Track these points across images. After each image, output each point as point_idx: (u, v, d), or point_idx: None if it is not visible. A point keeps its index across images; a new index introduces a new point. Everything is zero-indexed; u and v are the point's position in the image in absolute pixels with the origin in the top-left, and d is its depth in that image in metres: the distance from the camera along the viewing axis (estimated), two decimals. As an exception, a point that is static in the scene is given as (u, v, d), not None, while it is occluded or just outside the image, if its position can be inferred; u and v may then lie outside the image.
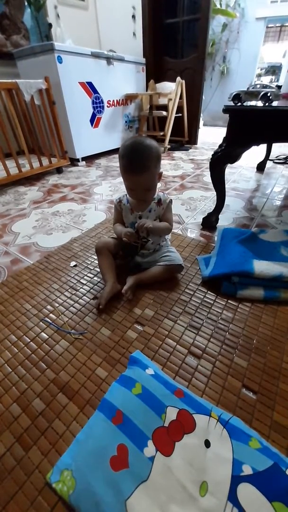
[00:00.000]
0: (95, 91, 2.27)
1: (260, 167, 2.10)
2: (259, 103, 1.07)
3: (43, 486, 0.43)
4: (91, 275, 0.92)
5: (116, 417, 0.48)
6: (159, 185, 1.78)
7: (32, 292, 0.85)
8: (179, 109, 2.74)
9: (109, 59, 2.29)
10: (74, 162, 2.33)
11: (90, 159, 2.53)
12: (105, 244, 0.86)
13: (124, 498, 0.39)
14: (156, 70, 2.89)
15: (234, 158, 1.03)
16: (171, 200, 0.86)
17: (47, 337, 0.69)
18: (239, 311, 0.76)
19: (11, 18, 2.15)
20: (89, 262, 0.99)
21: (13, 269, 0.98)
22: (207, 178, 1.91)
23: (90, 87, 2.21)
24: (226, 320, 0.73)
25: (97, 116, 2.36)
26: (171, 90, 2.63)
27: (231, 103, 1.12)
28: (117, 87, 2.50)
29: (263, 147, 1.93)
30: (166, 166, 2.27)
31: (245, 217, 1.33)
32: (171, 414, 0.48)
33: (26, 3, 2.20)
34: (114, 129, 2.62)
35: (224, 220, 1.29)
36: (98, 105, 2.34)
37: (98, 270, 0.90)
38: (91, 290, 0.86)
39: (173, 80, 2.59)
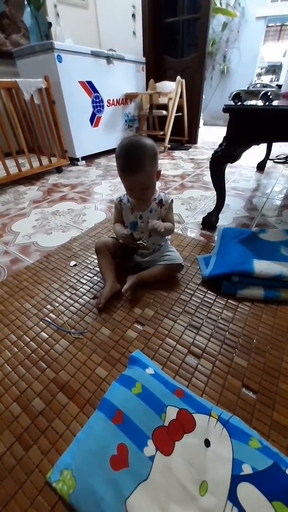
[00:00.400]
0: (95, 90, 2.26)
1: (260, 167, 2.10)
2: (259, 103, 1.07)
3: (43, 486, 0.43)
4: (91, 275, 0.92)
5: (116, 416, 0.48)
6: (158, 184, 1.78)
7: (32, 292, 0.85)
8: (179, 108, 2.74)
9: (109, 58, 2.28)
10: (74, 161, 2.33)
11: (90, 158, 2.53)
12: (104, 243, 0.86)
13: (124, 497, 0.39)
14: (156, 69, 2.88)
15: (234, 157, 1.03)
16: (172, 200, 0.85)
17: (47, 336, 0.69)
18: (239, 310, 0.76)
19: (11, 17, 2.14)
20: (89, 262, 0.99)
21: (13, 268, 0.98)
22: (207, 177, 1.91)
23: (90, 86, 2.20)
24: (226, 320, 0.73)
25: (97, 116, 2.36)
26: (171, 89, 2.63)
27: (231, 103, 1.12)
28: (117, 86, 2.49)
29: (263, 146, 1.93)
30: (166, 165, 2.27)
31: (245, 217, 1.33)
32: (171, 413, 0.48)
33: (25, 2, 2.20)
34: (114, 128, 2.62)
35: (224, 220, 1.29)
36: (98, 104, 2.33)
37: (98, 269, 0.90)
38: (91, 289, 0.86)
39: (173, 80, 2.59)
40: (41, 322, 0.74)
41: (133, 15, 2.67)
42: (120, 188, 1.76)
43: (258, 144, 1.02)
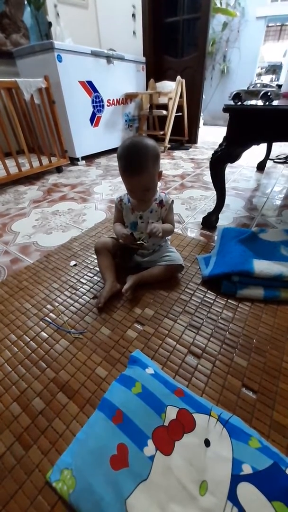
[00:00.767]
0: (95, 90, 2.26)
1: (260, 167, 2.10)
2: (260, 102, 1.07)
3: (43, 485, 0.43)
4: (91, 275, 0.92)
5: (116, 416, 0.48)
6: (159, 184, 1.78)
7: (32, 292, 0.85)
8: (179, 108, 2.73)
9: (109, 58, 2.28)
10: (74, 161, 2.33)
11: (90, 158, 2.53)
12: (104, 244, 0.86)
13: (124, 497, 0.39)
14: (156, 69, 2.88)
15: (234, 157, 1.03)
16: (173, 200, 0.85)
17: (47, 336, 0.69)
18: (239, 310, 0.76)
19: (11, 17, 2.14)
20: (89, 262, 0.99)
21: (13, 268, 0.98)
22: (207, 177, 1.91)
23: (90, 86, 2.20)
24: (226, 320, 0.73)
25: (97, 115, 2.36)
26: (171, 89, 2.63)
27: (231, 102, 1.12)
28: (117, 86, 2.49)
29: (263, 146, 1.93)
30: (166, 165, 2.27)
31: (245, 217, 1.33)
32: (171, 413, 0.48)
33: (26, 2, 2.20)
34: (114, 128, 2.62)
35: (224, 220, 1.29)
36: (98, 104, 2.33)
37: (98, 269, 0.90)
38: (91, 289, 0.86)
39: (173, 79, 2.59)
40: (41, 322, 0.74)
41: (133, 15, 2.67)
42: (120, 188, 1.76)
43: (258, 144, 1.02)
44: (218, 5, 3.89)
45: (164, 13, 2.67)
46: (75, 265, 0.97)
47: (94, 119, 2.34)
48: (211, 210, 1.20)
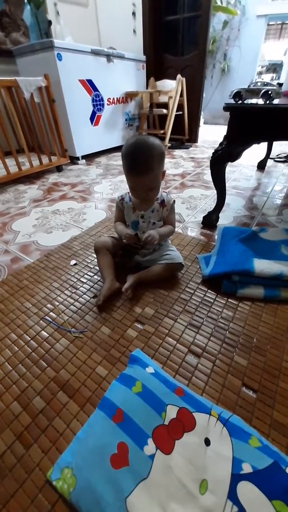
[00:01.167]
0: (95, 89, 2.26)
1: (261, 166, 2.10)
2: (260, 101, 1.06)
3: (43, 484, 0.43)
4: (91, 274, 0.92)
5: (116, 415, 0.48)
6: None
7: (32, 291, 0.85)
8: (180, 107, 2.73)
9: (109, 57, 2.27)
10: (74, 160, 2.33)
11: (90, 157, 2.53)
12: (103, 243, 0.85)
13: (124, 495, 0.39)
14: (156, 68, 2.87)
15: (235, 156, 1.02)
16: (174, 200, 0.85)
17: (48, 335, 0.69)
18: (239, 310, 0.76)
19: (11, 15, 2.13)
20: (89, 261, 0.99)
21: (13, 267, 0.98)
22: (208, 176, 1.91)
23: (90, 85, 2.20)
24: (226, 319, 0.73)
25: (97, 114, 2.35)
26: (171, 88, 2.62)
27: (232, 101, 1.11)
28: (117, 84, 2.48)
29: (263, 145, 1.92)
30: (167, 164, 2.27)
31: (245, 216, 1.33)
32: (171, 412, 0.48)
33: (25, 1, 2.19)
34: (114, 127, 2.61)
35: (225, 219, 1.29)
36: (98, 103, 2.33)
37: (98, 269, 0.90)
38: (91, 288, 0.86)
39: (174, 78, 2.58)
40: (41, 321, 0.74)
41: (133, 13, 2.66)
42: (120, 187, 1.76)
43: (258, 143, 1.02)
44: (219, 3, 3.88)
45: (164, 11, 2.66)
46: (75, 264, 0.97)
47: (94, 118, 2.34)
48: (212, 209, 1.20)
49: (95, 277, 0.91)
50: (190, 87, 2.72)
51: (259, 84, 1.14)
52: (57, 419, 0.51)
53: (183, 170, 2.10)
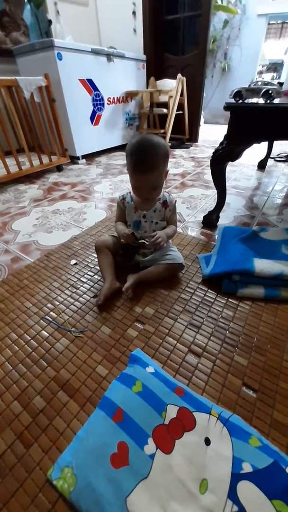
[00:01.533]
0: (95, 88, 2.25)
1: (261, 165, 2.09)
2: (261, 101, 1.06)
3: (43, 483, 0.43)
4: (92, 273, 0.92)
5: (116, 414, 0.48)
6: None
7: (33, 290, 0.85)
8: (180, 106, 2.72)
9: (109, 56, 2.27)
10: (74, 160, 2.33)
11: (90, 157, 2.53)
12: (104, 242, 0.85)
13: (124, 495, 0.39)
14: (156, 67, 2.87)
15: (235, 156, 1.02)
16: (175, 201, 0.85)
17: (48, 335, 0.69)
18: (239, 309, 0.76)
19: (11, 15, 2.13)
20: (90, 260, 0.99)
21: (14, 267, 0.98)
22: (208, 176, 1.91)
23: (90, 84, 2.19)
24: (227, 319, 0.73)
25: (97, 114, 2.35)
26: (171, 87, 2.61)
27: (232, 101, 1.11)
28: (118, 84, 2.48)
29: (264, 145, 1.92)
30: (167, 164, 2.26)
31: (246, 216, 1.33)
32: (171, 412, 0.48)
33: (26, 0, 2.18)
34: (115, 126, 2.61)
35: (225, 219, 1.28)
36: (98, 102, 2.32)
37: (98, 268, 0.90)
38: (92, 288, 0.86)
39: (174, 77, 2.58)
40: (41, 321, 0.74)
41: (134, 13, 2.65)
42: (120, 186, 1.76)
43: (259, 143, 1.02)
44: (219, 2, 3.87)
45: (164, 11, 2.66)
46: (75, 264, 0.97)
47: (94, 118, 2.34)
48: (212, 209, 1.20)
49: (95, 276, 0.91)
50: (191, 87, 2.72)
51: (259, 83, 1.14)
52: (58, 418, 0.51)
53: (184, 170, 2.09)
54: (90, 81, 2.18)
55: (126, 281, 0.80)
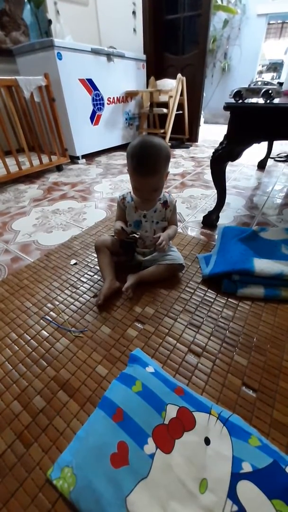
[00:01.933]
0: (95, 88, 2.25)
1: (261, 165, 2.09)
2: (261, 100, 1.06)
3: (43, 483, 0.43)
4: (91, 273, 0.92)
5: (116, 414, 0.48)
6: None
7: (33, 290, 0.85)
8: (180, 106, 2.72)
9: (109, 56, 2.27)
10: (74, 160, 2.33)
11: (90, 156, 2.52)
12: (103, 242, 0.85)
13: (124, 494, 0.39)
14: (156, 67, 2.87)
15: (235, 156, 1.02)
16: (176, 201, 0.85)
17: (48, 335, 0.70)
18: (239, 309, 0.76)
19: (11, 14, 2.13)
20: (89, 260, 0.99)
21: (14, 267, 0.98)
22: (208, 176, 1.91)
23: (90, 84, 2.19)
24: (227, 319, 0.73)
25: (97, 114, 2.35)
26: (171, 87, 2.61)
27: (232, 100, 1.11)
28: (117, 84, 2.48)
29: (264, 145, 1.92)
30: (167, 164, 2.26)
31: (245, 215, 1.33)
32: (171, 411, 0.48)
33: (25, 0, 2.18)
34: (115, 126, 2.61)
35: (225, 219, 1.28)
36: (98, 102, 2.32)
37: (98, 268, 0.90)
38: (91, 288, 0.86)
39: (174, 77, 2.58)
40: (41, 321, 0.74)
41: (134, 12, 2.65)
42: (120, 186, 1.76)
43: (259, 143, 1.02)
44: (219, 2, 3.87)
45: (164, 10, 2.66)
46: (75, 263, 0.97)
47: (94, 117, 2.33)
48: (212, 209, 1.20)
49: (95, 276, 0.91)
50: (191, 86, 2.72)
51: (259, 83, 1.14)
52: (57, 418, 0.51)
53: (183, 170, 2.09)
54: (90, 80, 2.18)
55: (126, 281, 0.80)
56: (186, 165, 2.23)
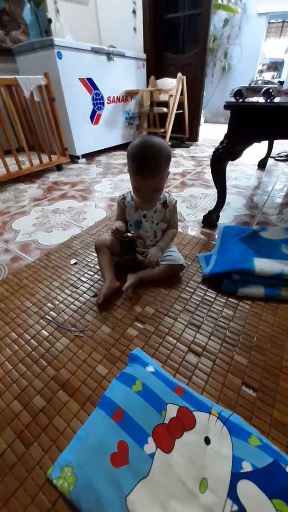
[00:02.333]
0: (95, 87, 2.25)
1: (261, 165, 2.09)
2: (261, 99, 1.06)
3: (43, 482, 0.43)
4: (92, 273, 0.92)
5: (116, 414, 0.48)
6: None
7: (33, 290, 0.85)
8: (180, 105, 2.72)
9: (109, 55, 2.26)
10: (74, 159, 2.32)
11: (90, 156, 2.52)
12: (103, 241, 0.85)
13: (124, 494, 0.39)
14: (156, 66, 2.86)
15: (235, 155, 1.02)
16: (176, 201, 0.85)
17: (48, 334, 0.69)
18: (239, 309, 0.76)
19: (11, 13, 2.12)
20: (90, 260, 0.99)
21: (14, 266, 0.98)
22: (208, 175, 1.91)
23: (90, 83, 2.19)
24: (227, 318, 0.73)
25: (97, 113, 2.35)
26: (172, 86, 2.61)
27: (233, 99, 1.11)
28: (118, 83, 2.48)
29: (264, 144, 1.92)
30: (167, 163, 2.26)
31: (246, 215, 1.33)
32: (171, 411, 0.48)
33: (25, -2, 2.18)
34: (115, 126, 2.61)
35: (225, 218, 1.28)
36: (98, 101, 2.32)
37: (98, 267, 0.90)
38: (92, 287, 0.86)
39: (174, 76, 2.57)
40: (41, 320, 0.74)
41: (134, 11, 2.64)
42: (120, 186, 1.76)
43: (259, 142, 1.02)
44: (219, 1, 3.86)
45: (164, 9, 2.65)
46: (75, 263, 0.97)
47: (94, 117, 2.33)
48: (212, 208, 1.20)
49: (95, 276, 0.91)
50: (191, 86, 2.71)
51: (260, 82, 1.14)
52: (58, 417, 0.51)
53: (184, 169, 2.09)
54: (90, 80, 2.18)
55: (126, 280, 0.80)
56: (186, 164, 2.23)
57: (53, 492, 0.42)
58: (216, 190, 1.15)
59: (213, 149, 1.05)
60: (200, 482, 0.40)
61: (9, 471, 0.44)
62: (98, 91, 2.28)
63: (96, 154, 2.60)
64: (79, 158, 2.33)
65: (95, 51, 2.12)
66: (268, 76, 5.57)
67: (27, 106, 1.87)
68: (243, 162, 2.22)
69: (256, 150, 2.04)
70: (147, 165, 0.69)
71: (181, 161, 2.32)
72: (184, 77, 2.57)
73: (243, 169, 2.08)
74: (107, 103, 2.42)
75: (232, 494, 0.38)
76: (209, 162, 1.11)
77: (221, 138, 1.02)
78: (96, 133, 2.42)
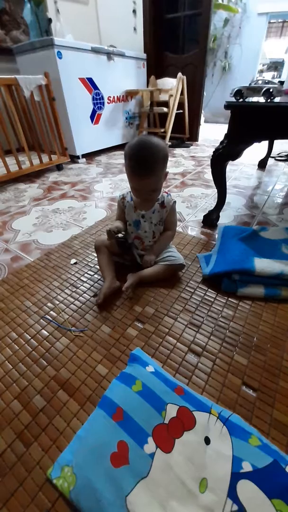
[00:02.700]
0: (95, 87, 2.25)
1: (262, 164, 2.09)
2: (261, 99, 1.06)
3: (43, 482, 0.43)
4: (92, 273, 0.92)
5: (116, 414, 0.48)
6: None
7: (33, 290, 0.85)
8: (180, 105, 2.72)
9: (109, 55, 2.26)
10: (74, 159, 2.32)
11: (90, 156, 2.52)
12: (103, 241, 0.85)
13: (124, 494, 0.39)
14: (157, 66, 2.86)
15: (236, 155, 1.02)
16: (175, 201, 0.85)
17: (48, 334, 0.69)
18: (239, 309, 0.76)
19: (11, 13, 2.12)
20: (90, 260, 0.99)
21: (14, 266, 0.98)
22: (208, 175, 1.91)
23: (90, 83, 2.19)
24: (227, 318, 0.73)
25: (97, 113, 2.35)
26: (172, 86, 2.61)
27: (233, 99, 1.11)
28: (118, 83, 2.47)
29: (264, 144, 1.92)
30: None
31: (246, 215, 1.33)
32: (171, 411, 0.48)
33: (25, -2, 2.18)
34: (115, 125, 2.60)
35: (225, 218, 1.28)
36: (98, 101, 2.32)
37: (98, 267, 0.90)
38: (92, 287, 0.86)
39: (174, 76, 2.57)
40: (41, 320, 0.74)
41: (134, 11, 2.64)
42: (120, 185, 1.76)
43: (259, 142, 1.02)
44: (220, 1, 3.85)
45: (165, 9, 2.65)
46: (75, 263, 0.97)
47: (94, 117, 2.33)
48: (212, 208, 1.20)
49: (95, 276, 0.91)
50: (191, 86, 2.71)
51: (260, 82, 1.14)
52: (57, 417, 0.51)
53: (184, 169, 2.09)
54: (90, 79, 2.18)
55: (126, 280, 0.80)
56: (187, 164, 2.23)
57: (53, 492, 0.42)
58: (216, 190, 1.15)
59: (213, 149, 1.05)
60: (200, 482, 0.40)
61: (9, 471, 0.44)
62: (98, 90, 2.28)
63: (96, 154, 2.60)
64: (79, 158, 2.33)
65: (95, 50, 2.12)
66: (268, 76, 5.57)
67: (27, 105, 1.87)
68: (243, 162, 2.22)
69: (256, 150, 2.04)
70: (144, 165, 0.69)
71: (181, 161, 2.32)
72: (184, 77, 2.57)
73: (243, 169, 2.08)
74: (107, 103, 2.42)
75: (232, 494, 0.38)
76: (209, 162, 1.11)
77: (221, 138, 1.02)
78: (96, 133, 2.42)
